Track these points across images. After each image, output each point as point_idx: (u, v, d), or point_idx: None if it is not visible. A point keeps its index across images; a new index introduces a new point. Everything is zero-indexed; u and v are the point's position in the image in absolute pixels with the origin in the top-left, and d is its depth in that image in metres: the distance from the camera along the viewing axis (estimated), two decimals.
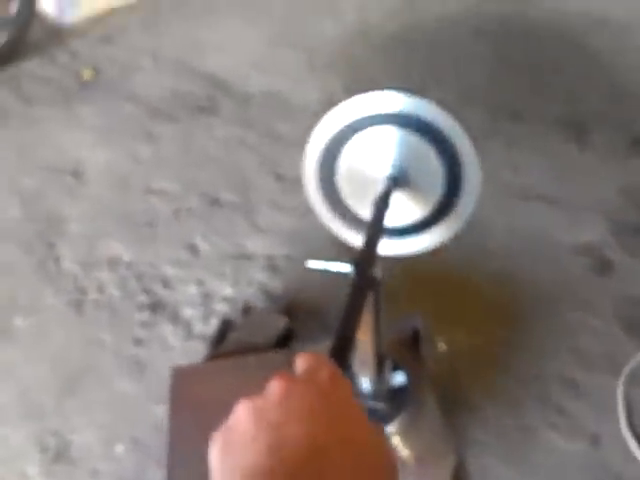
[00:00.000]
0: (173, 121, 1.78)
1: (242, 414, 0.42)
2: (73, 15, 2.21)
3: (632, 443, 1.03)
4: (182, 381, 0.89)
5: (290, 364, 0.90)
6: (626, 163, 1.54)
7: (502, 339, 1.19)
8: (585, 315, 1.22)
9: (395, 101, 0.75)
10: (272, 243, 1.39)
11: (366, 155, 0.78)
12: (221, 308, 1.26)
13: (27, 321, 1.27)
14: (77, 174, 1.62)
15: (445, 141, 0.76)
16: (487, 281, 1.29)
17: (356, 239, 0.83)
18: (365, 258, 0.67)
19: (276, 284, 1.30)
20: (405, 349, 0.90)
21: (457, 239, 1.37)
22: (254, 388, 0.87)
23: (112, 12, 2.26)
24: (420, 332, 0.94)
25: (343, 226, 0.85)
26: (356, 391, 0.82)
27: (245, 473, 0.39)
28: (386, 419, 0.80)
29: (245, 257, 1.37)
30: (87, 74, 1.99)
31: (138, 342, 1.22)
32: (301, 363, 0.45)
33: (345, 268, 0.65)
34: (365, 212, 0.80)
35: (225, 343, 1.03)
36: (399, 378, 0.86)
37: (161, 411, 1.10)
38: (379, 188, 0.76)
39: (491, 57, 1.98)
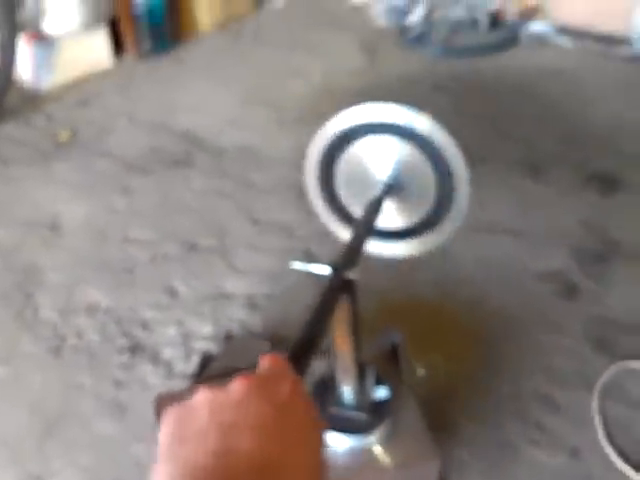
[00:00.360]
0: (149, 174, 1.83)
1: (200, 403, 0.43)
2: (48, 81, 2.28)
3: (611, 453, 1.05)
4: (166, 407, 0.89)
5: None
6: (583, 197, 1.64)
7: (479, 363, 1.22)
8: (556, 336, 1.26)
9: (401, 114, 0.80)
10: (251, 283, 1.42)
11: (367, 160, 0.83)
12: (202, 346, 1.27)
13: (5, 369, 1.26)
14: (54, 227, 1.64)
15: (442, 160, 0.81)
16: (460, 308, 1.33)
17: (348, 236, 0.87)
18: (345, 260, 0.71)
19: (256, 321, 1.32)
20: (385, 363, 0.92)
21: (429, 270, 1.42)
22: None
23: (87, 78, 2.35)
24: (399, 346, 0.96)
25: (338, 224, 0.89)
26: (337, 401, 0.84)
27: (188, 467, 0.40)
28: (367, 429, 0.82)
29: (224, 297, 1.39)
30: (64, 136, 2.04)
31: (118, 384, 1.21)
32: (265, 365, 0.47)
33: (325, 270, 0.68)
34: (358, 211, 0.84)
35: (208, 370, 1.04)
36: (382, 392, 0.87)
37: (143, 450, 1.09)
38: (373, 193, 0.81)
39: (451, 110, 2.10)
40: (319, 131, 0.87)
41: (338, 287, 0.70)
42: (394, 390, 0.87)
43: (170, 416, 0.43)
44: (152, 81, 2.36)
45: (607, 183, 1.67)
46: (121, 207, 1.71)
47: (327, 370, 0.84)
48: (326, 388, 0.85)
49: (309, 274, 0.70)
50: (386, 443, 0.82)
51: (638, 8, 2.08)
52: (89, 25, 2.35)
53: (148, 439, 1.09)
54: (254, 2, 2.84)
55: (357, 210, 0.85)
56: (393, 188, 0.83)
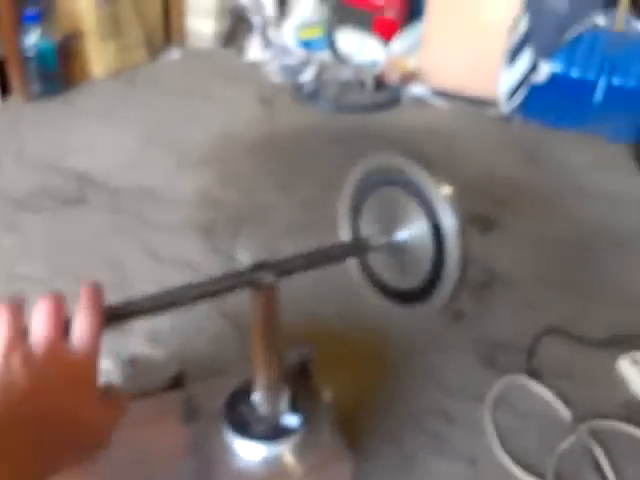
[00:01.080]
0: (38, 212, 1.76)
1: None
2: None
3: (505, 459, 1.13)
4: None
5: (185, 403, 0.91)
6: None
7: (379, 385, 1.28)
8: (448, 355, 1.35)
9: (431, 188, 0.74)
10: (152, 317, 1.39)
11: (391, 207, 0.79)
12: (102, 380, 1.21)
13: None
14: None
15: (444, 252, 0.74)
16: (362, 337, 1.39)
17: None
18: (276, 264, 0.72)
19: (159, 354, 1.29)
20: (295, 379, 0.94)
21: (333, 304, 1.47)
22: (150, 431, 0.89)
23: None
24: (310, 362, 0.99)
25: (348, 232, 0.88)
26: (251, 408, 0.84)
27: None
28: (277, 438, 0.83)
29: (124, 332, 1.34)
30: None
31: None
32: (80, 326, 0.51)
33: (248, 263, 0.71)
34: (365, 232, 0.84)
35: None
36: (293, 421, 0.86)
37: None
38: (372, 239, 0.80)
39: (344, 159, 2.21)
40: (374, 156, 0.82)
41: (239, 279, 0.71)
42: (305, 402, 0.89)
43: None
44: (41, 122, 2.29)
45: (484, 223, 1.85)
46: (7, 244, 1.62)
47: (248, 377, 0.85)
48: (244, 394, 0.85)
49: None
50: (297, 451, 0.83)
51: (502, 74, 2.37)
52: None
53: None
54: (149, 53, 2.88)
55: (365, 232, 0.84)
56: (391, 248, 0.79)
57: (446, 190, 0.74)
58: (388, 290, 0.85)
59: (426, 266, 0.76)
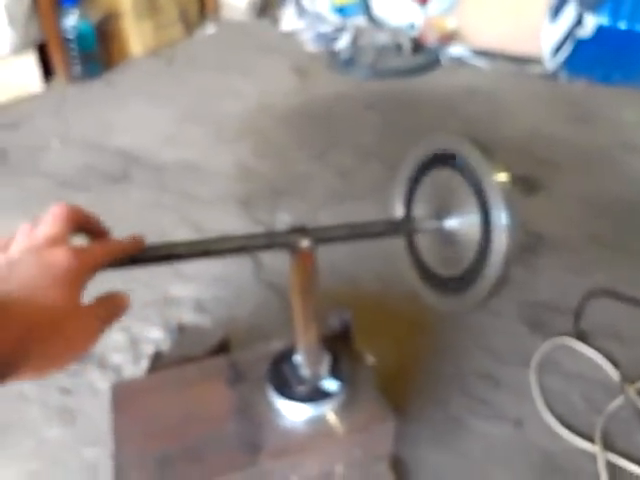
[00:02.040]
0: (85, 191, 1.81)
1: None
2: None
3: (552, 421, 1.12)
4: (123, 395, 0.89)
5: (231, 367, 0.93)
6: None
7: (423, 348, 1.28)
8: (493, 319, 1.34)
9: (496, 200, 0.67)
10: (198, 288, 1.43)
11: (449, 193, 0.75)
12: (151, 349, 1.26)
13: None
14: None
15: (488, 251, 0.69)
16: (402, 300, 1.39)
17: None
18: (315, 230, 0.73)
19: (206, 322, 1.33)
20: (337, 343, 0.95)
21: (372, 267, 1.47)
22: (198, 393, 0.91)
23: (17, 102, 2.31)
24: (350, 326, 1.00)
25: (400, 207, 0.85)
26: (293, 370, 0.86)
27: None
28: (320, 399, 0.84)
29: (171, 302, 1.39)
30: None
31: (65, 391, 1.18)
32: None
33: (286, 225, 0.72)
34: (417, 212, 0.82)
35: (162, 360, 1.04)
36: (332, 386, 0.86)
37: (95, 454, 1.07)
38: (420, 221, 0.78)
39: (383, 126, 2.21)
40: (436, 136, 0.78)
41: (275, 240, 0.72)
42: (347, 366, 0.90)
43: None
44: (84, 103, 2.34)
45: (528, 185, 1.80)
46: None
47: (291, 342, 0.87)
48: (287, 357, 0.87)
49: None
50: (340, 411, 0.85)
51: (545, 30, 2.28)
52: (18, 49, 2.32)
53: (100, 442, 1.07)
54: (185, 29, 2.89)
55: (417, 211, 0.82)
56: (438, 233, 0.76)
57: (503, 183, 0.69)
58: (427, 273, 0.84)
59: (469, 258, 0.72)
